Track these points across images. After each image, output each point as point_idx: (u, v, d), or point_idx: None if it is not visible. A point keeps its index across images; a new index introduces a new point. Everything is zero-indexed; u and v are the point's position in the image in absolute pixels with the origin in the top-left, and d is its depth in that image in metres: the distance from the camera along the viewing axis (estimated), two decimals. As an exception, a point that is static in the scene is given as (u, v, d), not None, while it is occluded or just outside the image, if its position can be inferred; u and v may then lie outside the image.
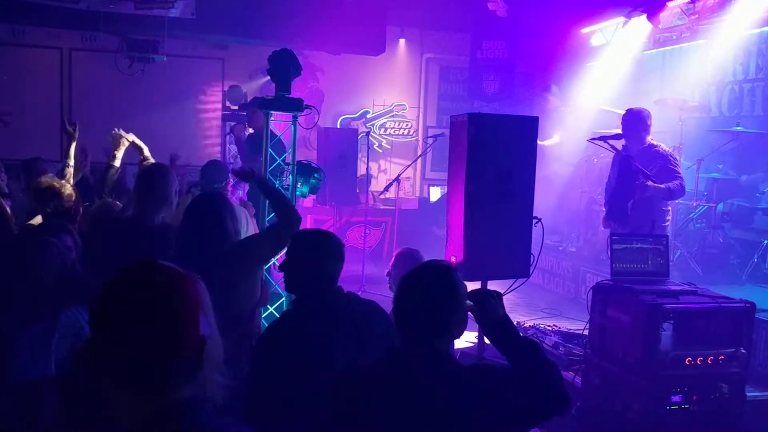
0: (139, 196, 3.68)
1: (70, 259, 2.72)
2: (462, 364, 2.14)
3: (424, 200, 10.33)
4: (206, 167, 5.50)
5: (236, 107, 8.89)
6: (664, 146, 5.73)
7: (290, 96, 5.29)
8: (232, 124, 7.69)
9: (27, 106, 8.98)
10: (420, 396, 2.02)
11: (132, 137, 4.71)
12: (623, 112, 7.21)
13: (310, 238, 2.83)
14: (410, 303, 2.11)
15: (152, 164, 4.19)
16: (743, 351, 4.03)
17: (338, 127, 10.32)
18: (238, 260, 3.31)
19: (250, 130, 7.40)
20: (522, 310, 6.86)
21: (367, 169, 9.26)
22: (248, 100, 8.95)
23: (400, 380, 2.06)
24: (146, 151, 4.73)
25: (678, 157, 5.89)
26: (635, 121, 5.60)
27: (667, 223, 5.76)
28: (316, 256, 2.69)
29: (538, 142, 4.47)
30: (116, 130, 4.63)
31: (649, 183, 5.29)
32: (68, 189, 3.91)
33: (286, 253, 2.80)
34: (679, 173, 5.58)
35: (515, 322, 5.82)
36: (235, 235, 3.44)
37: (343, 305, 2.66)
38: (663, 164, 5.52)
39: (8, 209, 3.90)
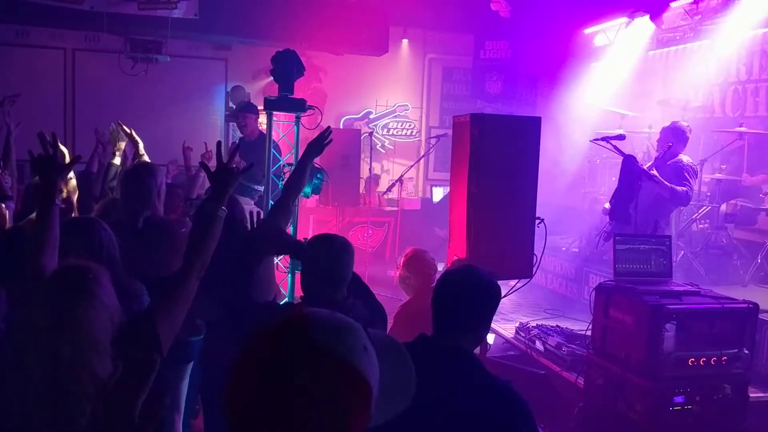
0: (122, 198, 3.74)
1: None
2: (484, 370, 2.16)
3: (426, 200, 10.33)
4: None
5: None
6: (687, 157, 5.74)
7: (293, 96, 5.31)
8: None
9: (31, 107, 8.98)
10: (427, 384, 2.05)
11: (130, 130, 4.72)
12: (627, 112, 7.23)
13: (315, 242, 2.86)
14: (448, 296, 2.23)
15: (134, 165, 4.20)
16: (746, 352, 4.03)
17: (341, 127, 10.32)
18: (252, 249, 3.34)
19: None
20: (525, 311, 6.86)
21: (369, 169, 9.27)
22: (251, 100, 8.97)
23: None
24: (141, 147, 4.73)
25: (696, 171, 5.89)
26: (680, 134, 5.69)
27: (670, 225, 5.77)
28: (317, 260, 2.72)
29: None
30: (114, 125, 4.63)
31: (654, 172, 5.31)
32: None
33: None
34: (689, 182, 5.58)
35: (518, 323, 5.83)
36: (243, 227, 3.51)
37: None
38: (677, 171, 5.54)
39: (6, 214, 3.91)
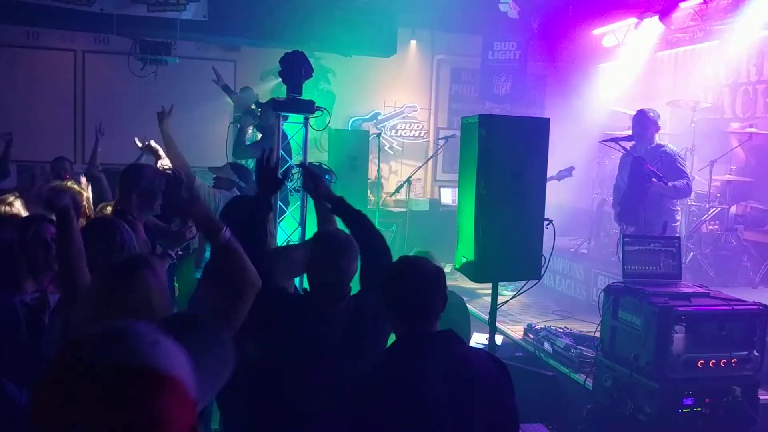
0: None
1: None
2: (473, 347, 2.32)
3: (434, 202, 10.33)
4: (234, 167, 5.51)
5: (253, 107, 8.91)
6: (672, 146, 5.73)
7: (301, 98, 5.30)
8: (240, 114, 7.71)
9: (41, 108, 9.05)
10: (440, 372, 2.12)
11: (154, 145, 4.84)
12: (635, 113, 7.20)
13: (318, 240, 2.89)
14: (429, 286, 2.24)
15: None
16: (756, 354, 4.01)
17: (349, 128, 10.33)
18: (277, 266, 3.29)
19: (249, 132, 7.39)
20: (533, 312, 6.85)
21: (377, 170, 9.27)
22: (259, 102, 8.98)
23: (424, 360, 2.14)
24: (161, 152, 4.79)
25: (685, 158, 5.90)
26: (647, 121, 5.63)
27: (677, 223, 5.74)
28: (319, 259, 2.76)
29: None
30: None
31: (654, 180, 5.30)
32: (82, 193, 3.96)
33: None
34: (686, 173, 5.59)
35: (526, 324, 5.82)
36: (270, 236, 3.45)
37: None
38: (669, 163, 5.52)
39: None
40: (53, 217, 3.13)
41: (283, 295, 2.80)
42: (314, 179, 3.16)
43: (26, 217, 3.44)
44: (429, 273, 2.26)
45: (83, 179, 4.75)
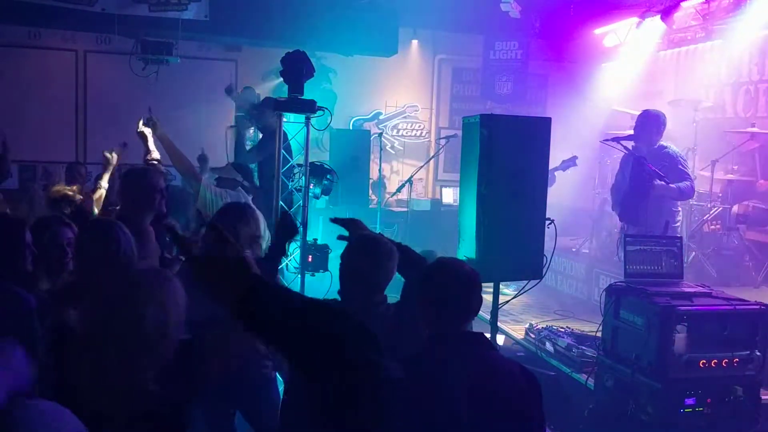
0: None
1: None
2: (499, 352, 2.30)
3: (436, 201, 10.32)
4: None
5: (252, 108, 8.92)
6: (674, 147, 5.72)
7: (303, 98, 5.30)
8: (239, 114, 7.73)
9: (43, 108, 9.06)
10: (464, 373, 2.11)
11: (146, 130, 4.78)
12: (637, 112, 7.21)
13: (359, 246, 2.85)
14: (462, 287, 2.25)
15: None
16: (758, 354, 4.00)
17: (350, 128, 10.32)
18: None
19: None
20: (535, 312, 6.84)
21: (379, 170, 9.27)
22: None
23: (450, 361, 2.14)
24: (150, 143, 4.76)
25: (687, 159, 5.89)
26: (650, 123, 5.61)
27: (678, 224, 5.74)
28: (358, 265, 2.76)
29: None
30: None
31: (657, 182, 5.29)
32: (80, 195, 3.94)
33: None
34: (688, 174, 5.58)
35: (528, 324, 5.82)
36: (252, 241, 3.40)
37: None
38: (672, 164, 5.52)
39: None
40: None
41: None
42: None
43: (42, 218, 3.43)
44: (465, 274, 2.28)
45: (102, 183, 4.78)
